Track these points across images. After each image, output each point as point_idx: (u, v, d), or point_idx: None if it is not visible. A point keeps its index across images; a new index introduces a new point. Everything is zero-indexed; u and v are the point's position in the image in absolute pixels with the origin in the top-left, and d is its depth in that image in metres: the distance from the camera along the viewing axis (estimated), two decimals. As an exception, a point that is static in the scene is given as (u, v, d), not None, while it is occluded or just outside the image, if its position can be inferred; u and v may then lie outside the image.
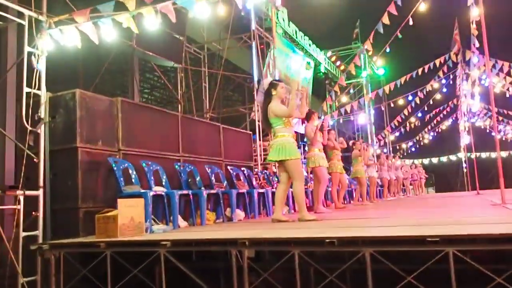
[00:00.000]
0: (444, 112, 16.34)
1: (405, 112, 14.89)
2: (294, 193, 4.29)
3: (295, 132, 4.56)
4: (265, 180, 7.00)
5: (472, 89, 10.83)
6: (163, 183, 4.46)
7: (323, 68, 16.93)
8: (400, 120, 15.72)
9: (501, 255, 2.31)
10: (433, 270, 2.28)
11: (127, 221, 3.30)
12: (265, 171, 8.27)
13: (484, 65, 9.73)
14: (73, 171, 3.81)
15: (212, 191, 4.96)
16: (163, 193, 4.18)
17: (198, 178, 5.03)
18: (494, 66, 9.82)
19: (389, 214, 4.83)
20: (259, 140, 9.24)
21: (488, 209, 4.62)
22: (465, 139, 13.53)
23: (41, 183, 3.53)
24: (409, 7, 8.15)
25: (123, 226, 3.25)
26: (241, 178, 5.89)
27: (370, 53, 14.76)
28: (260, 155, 9.20)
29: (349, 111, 12.76)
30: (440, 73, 12.36)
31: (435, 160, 25.79)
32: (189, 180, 4.87)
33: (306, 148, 6.03)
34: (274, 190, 6.28)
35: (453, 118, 16.76)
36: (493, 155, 22.56)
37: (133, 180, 4.14)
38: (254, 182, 6.23)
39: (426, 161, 24.83)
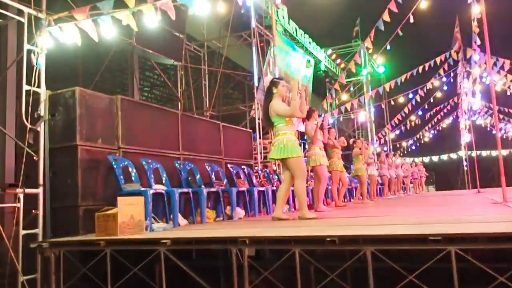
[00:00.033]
0: (445, 110, 16.32)
1: (406, 110, 14.86)
2: (295, 191, 4.27)
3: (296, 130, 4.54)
4: (265, 178, 6.99)
5: (473, 87, 10.80)
6: (163, 181, 4.45)
7: (323, 66, 16.91)
8: (401, 118, 15.70)
9: (502, 253, 2.30)
10: (434, 268, 2.27)
11: (127, 219, 3.29)
12: (265, 169, 8.26)
13: (485, 63, 9.72)
14: (73, 169, 3.80)
15: (212, 189, 4.95)
16: (163, 191, 4.17)
17: (198, 176, 5.02)
18: (495, 64, 9.79)
19: (389, 212, 4.82)
20: (259, 138, 9.22)
21: (490, 208, 4.60)
22: (466, 137, 13.51)
23: (41, 181, 3.52)
24: (410, 5, 8.12)
25: (123, 224, 3.24)
26: (241, 176, 5.88)
27: (370, 51, 14.75)
28: (260, 153, 9.19)
29: (349, 109, 12.74)
30: (441, 71, 12.32)
31: (435, 158, 25.78)
32: (189, 178, 4.86)
33: (307, 147, 6.02)
34: (274, 188, 6.28)
35: (454, 116, 16.73)
36: (494, 153, 22.57)
37: (133, 178, 4.13)
38: (254, 180, 6.22)
39: (426, 159, 24.82)
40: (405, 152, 19.94)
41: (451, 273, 2.20)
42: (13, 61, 4.66)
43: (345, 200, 8.34)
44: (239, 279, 2.64)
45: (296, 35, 13.83)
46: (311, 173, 6.27)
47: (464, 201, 6.84)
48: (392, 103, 14.76)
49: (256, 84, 9.48)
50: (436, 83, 13.26)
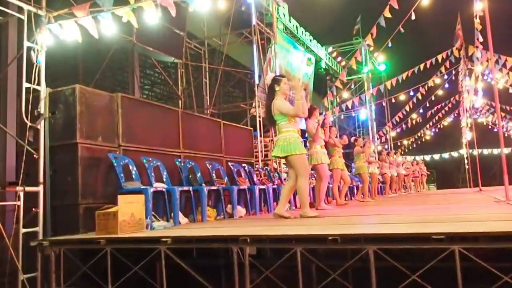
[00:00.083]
0: (446, 108, 16.27)
1: (407, 108, 14.82)
2: (297, 189, 4.24)
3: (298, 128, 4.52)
4: (266, 176, 6.97)
5: (476, 85, 10.76)
6: (164, 179, 4.43)
7: (324, 64, 16.86)
8: (402, 116, 15.66)
9: (506, 253, 2.28)
10: (436, 267, 2.25)
11: (128, 218, 3.28)
12: (266, 167, 8.24)
13: (487, 61, 9.67)
14: (73, 167, 3.78)
15: (213, 188, 4.94)
16: (163, 190, 4.15)
17: (198, 174, 5.00)
18: (497, 62, 9.74)
19: (391, 211, 4.80)
20: (260, 136, 9.20)
21: (492, 206, 4.58)
22: (467, 136, 13.48)
23: (41, 179, 3.51)
24: (411, 2, 8.08)
25: (123, 222, 3.22)
26: (242, 174, 5.86)
27: (371, 48, 14.70)
28: (261, 151, 9.16)
29: (350, 107, 12.71)
30: (442, 69, 12.27)
31: (436, 156, 25.75)
32: (190, 176, 4.84)
33: (308, 145, 5.99)
34: (275, 186, 6.26)
35: (455, 114, 16.69)
36: (495, 151, 22.54)
37: (133, 176, 4.11)
38: (255, 179, 6.20)
39: (427, 157, 24.80)
40: (406, 151, 19.91)
41: (453, 272, 2.18)
42: (13, 58, 4.64)
43: (346, 199, 8.31)
44: (240, 278, 2.63)
45: (297, 33, 13.78)
46: (312, 171, 6.24)
47: (466, 199, 6.82)
48: (393, 101, 14.72)
49: (257, 82, 9.45)
50: (438, 80, 13.21)
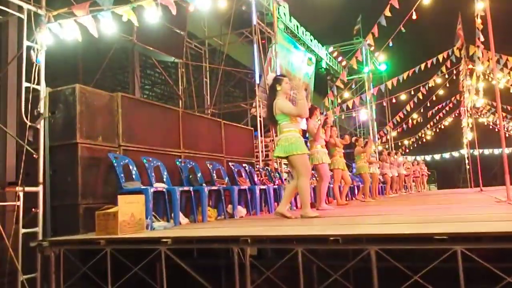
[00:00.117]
0: (447, 108, 16.23)
1: (407, 108, 14.79)
2: (298, 189, 4.23)
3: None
4: (267, 176, 6.95)
5: (477, 84, 10.73)
6: (164, 180, 4.41)
7: (324, 64, 16.85)
8: (402, 116, 15.63)
9: (507, 253, 2.26)
10: (437, 268, 2.24)
11: (128, 218, 3.26)
12: (267, 167, 8.22)
13: (488, 60, 9.65)
14: (73, 167, 3.77)
15: (214, 188, 4.92)
16: (164, 190, 4.13)
17: (199, 175, 4.99)
18: (498, 61, 9.71)
19: (392, 211, 4.79)
20: (261, 136, 9.18)
21: (494, 206, 4.56)
22: (468, 136, 13.45)
23: (40, 179, 3.49)
24: (412, 2, 8.06)
25: (124, 223, 3.21)
26: (243, 174, 5.84)
27: (372, 48, 14.67)
28: (262, 151, 9.15)
29: (350, 107, 12.69)
30: (443, 69, 12.24)
31: (437, 156, 25.72)
32: (190, 177, 4.83)
33: (308, 145, 5.98)
34: (276, 186, 6.25)
35: (456, 114, 16.66)
36: (496, 151, 22.51)
37: (133, 176, 4.09)
38: (255, 179, 6.18)
39: (428, 157, 24.77)
40: (407, 151, 19.89)
41: (454, 272, 2.17)
42: (13, 57, 4.62)
43: (347, 199, 8.30)
44: (241, 279, 2.61)
45: (298, 33, 13.77)
46: (313, 171, 6.22)
47: (467, 199, 6.80)
48: (394, 101, 14.69)
49: (257, 81, 9.43)
50: (438, 80, 13.18)
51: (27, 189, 3.35)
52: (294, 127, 4.20)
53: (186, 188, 4.47)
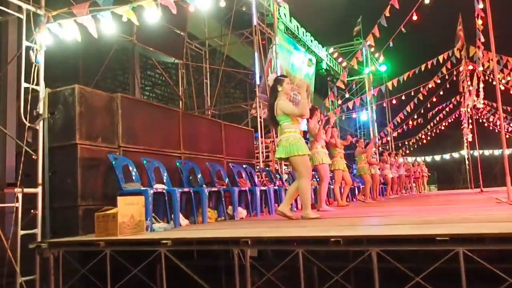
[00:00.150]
0: (447, 109, 16.22)
1: (408, 109, 14.78)
2: (299, 190, 4.21)
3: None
4: (267, 177, 6.93)
5: (478, 86, 10.72)
6: (164, 181, 4.40)
7: (324, 65, 16.84)
8: (403, 117, 15.61)
9: (509, 254, 2.24)
10: (439, 269, 2.22)
11: (127, 219, 3.24)
12: (267, 168, 8.20)
13: (488, 61, 9.63)
14: (73, 168, 3.75)
15: (214, 189, 4.90)
16: (163, 191, 4.12)
17: (199, 176, 4.97)
18: (498, 62, 9.70)
19: (393, 212, 4.77)
20: (261, 137, 9.17)
21: (495, 207, 4.55)
22: (468, 137, 13.44)
23: (39, 180, 3.47)
24: (412, 2, 8.05)
25: (123, 224, 3.19)
26: (243, 175, 5.83)
27: (372, 49, 14.65)
28: (262, 152, 9.13)
29: (351, 108, 12.67)
30: (444, 70, 12.23)
31: (437, 157, 25.71)
32: (190, 178, 4.81)
33: (309, 145, 5.96)
34: (276, 187, 6.23)
35: (456, 115, 16.64)
36: (496, 152, 22.49)
37: (133, 178, 4.08)
38: (256, 180, 6.16)
39: (428, 158, 24.76)
40: (407, 152, 19.87)
41: (454, 273, 2.15)
42: (12, 58, 4.60)
43: (348, 200, 8.28)
44: (241, 280, 2.60)
45: (298, 33, 13.76)
46: (314, 173, 6.21)
47: (468, 200, 6.78)
48: (394, 102, 14.67)
49: (257, 82, 9.42)
50: (439, 81, 13.17)
51: (26, 190, 3.33)
52: (295, 128, 4.18)
53: (186, 189, 4.45)
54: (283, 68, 11.13)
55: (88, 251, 3.08)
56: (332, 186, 7.22)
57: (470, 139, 13.48)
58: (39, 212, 3.42)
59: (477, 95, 11.84)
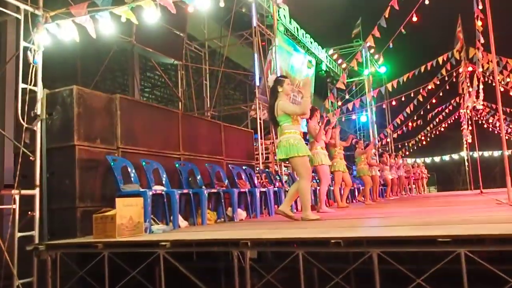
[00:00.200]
0: (447, 111, 16.22)
1: (407, 110, 14.77)
2: (299, 191, 4.19)
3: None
4: (267, 179, 6.91)
5: (478, 87, 10.72)
6: (163, 182, 4.37)
7: (324, 66, 16.85)
8: (402, 119, 15.60)
9: (509, 255, 2.22)
10: (439, 270, 2.20)
11: (126, 221, 3.21)
12: (267, 169, 8.18)
13: (488, 63, 9.63)
14: (71, 169, 3.72)
15: (213, 190, 4.87)
16: (163, 192, 4.09)
17: (198, 177, 4.94)
18: (498, 64, 9.69)
19: (393, 213, 4.74)
20: (261, 138, 9.15)
21: (495, 208, 4.52)
22: (468, 138, 13.43)
23: (37, 182, 3.44)
24: (412, 4, 8.06)
25: (122, 226, 3.16)
26: (243, 177, 5.80)
27: (372, 50, 14.65)
28: (262, 153, 9.11)
29: (350, 110, 12.67)
30: (443, 71, 12.23)
31: (437, 159, 25.71)
32: (190, 179, 4.78)
33: (309, 146, 5.94)
34: (276, 189, 6.20)
35: (456, 117, 16.64)
36: (496, 153, 22.49)
37: (132, 179, 4.05)
38: (255, 181, 6.14)
39: (428, 160, 24.76)
40: (407, 153, 19.86)
41: (455, 274, 2.13)
42: (9, 58, 4.59)
43: (348, 201, 8.26)
44: (240, 282, 2.57)
45: (298, 35, 13.76)
46: (314, 174, 6.18)
47: (468, 202, 6.76)
48: (394, 103, 14.67)
49: (257, 84, 9.40)
50: (438, 83, 13.17)
51: (24, 192, 3.30)
52: (295, 128, 4.16)
53: (185, 191, 4.43)
54: (283, 69, 11.13)
55: (86, 253, 3.06)
56: (332, 188, 7.19)
57: (469, 141, 13.47)
58: (37, 213, 3.39)
59: (477, 97, 11.83)
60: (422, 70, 11.52)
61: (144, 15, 3.57)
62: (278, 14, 11.56)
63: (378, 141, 17.25)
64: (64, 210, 3.68)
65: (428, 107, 15.21)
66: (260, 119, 9.16)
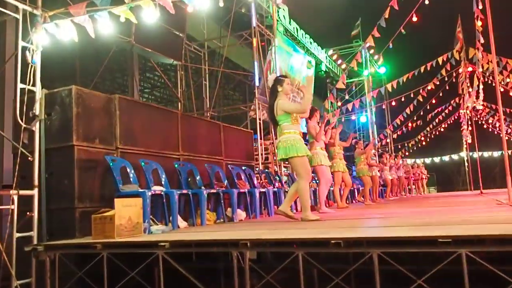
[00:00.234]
0: (446, 111, 16.21)
1: (407, 111, 14.77)
2: (298, 192, 4.18)
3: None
4: (267, 179, 6.90)
5: (478, 87, 10.71)
6: (162, 182, 4.36)
7: (324, 67, 16.84)
8: (402, 119, 15.60)
9: (510, 255, 2.21)
10: (439, 270, 2.19)
11: (125, 222, 3.20)
12: (267, 170, 8.17)
13: (487, 63, 9.62)
14: (70, 170, 3.70)
15: (213, 191, 4.86)
16: (162, 193, 4.08)
17: (198, 177, 4.93)
18: (497, 64, 9.68)
19: (393, 213, 4.73)
20: (260, 139, 9.14)
21: (495, 209, 4.51)
22: (468, 138, 13.43)
23: (35, 182, 3.43)
24: (412, 3, 8.05)
25: (121, 226, 3.14)
26: (242, 177, 5.79)
27: (372, 51, 14.64)
28: (261, 154, 9.09)
29: (350, 110, 12.66)
30: (443, 71, 12.22)
31: (437, 159, 25.71)
32: (189, 179, 4.77)
33: (308, 146, 5.92)
34: (275, 189, 6.19)
35: (456, 117, 16.64)
36: (495, 154, 22.49)
37: (131, 179, 4.04)
38: (255, 182, 6.13)
39: (428, 160, 24.75)
40: (407, 153, 19.85)
41: (455, 274, 2.12)
42: (8, 59, 4.57)
43: (347, 202, 8.24)
44: (240, 283, 2.56)
45: (297, 35, 13.76)
46: (313, 175, 6.17)
47: (468, 202, 6.75)
48: (394, 103, 14.67)
49: (257, 84, 9.39)
50: (438, 83, 13.16)
51: (22, 192, 3.29)
52: (294, 128, 4.15)
53: (184, 191, 4.41)
54: (282, 70, 11.12)
55: (85, 253, 3.04)
56: (332, 188, 7.18)
57: (469, 141, 13.46)
58: (35, 214, 3.38)
59: (477, 97, 11.83)
60: (422, 70, 11.52)
61: (143, 15, 3.56)
62: (278, 15, 11.55)
63: (378, 142, 17.24)
64: (63, 210, 3.67)
65: (428, 107, 15.21)
66: (259, 119, 9.15)
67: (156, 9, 3.49)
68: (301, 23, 14.01)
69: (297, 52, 13.33)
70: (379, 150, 16.38)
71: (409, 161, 19.43)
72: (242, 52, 11.44)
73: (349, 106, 11.96)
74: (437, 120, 16.90)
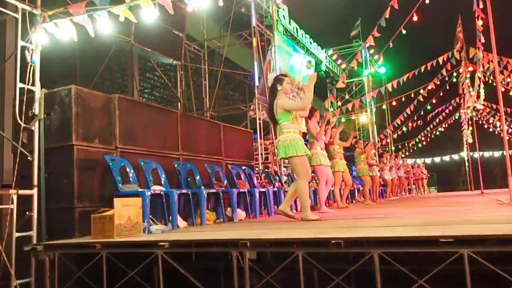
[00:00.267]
0: (447, 111, 16.20)
1: (407, 111, 14.76)
2: (297, 192, 4.16)
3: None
4: (266, 179, 6.89)
5: (478, 87, 10.69)
6: (162, 182, 4.35)
7: (324, 67, 16.82)
8: (402, 119, 15.59)
9: (511, 256, 2.20)
10: (441, 271, 2.18)
11: (124, 221, 3.19)
12: (266, 170, 8.16)
13: (488, 63, 9.61)
14: (69, 169, 3.70)
15: (212, 190, 4.85)
16: (161, 192, 4.07)
17: (197, 177, 4.92)
18: (498, 64, 9.66)
19: (394, 213, 4.72)
20: (260, 138, 9.13)
21: (496, 209, 4.50)
22: (468, 138, 13.41)
23: (35, 182, 3.42)
24: (413, 3, 8.04)
25: (120, 226, 3.14)
26: (242, 177, 5.78)
27: (372, 51, 14.63)
28: (261, 154, 9.09)
29: (350, 110, 12.65)
30: (443, 71, 12.21)
31: (437, 159, 25.70)
32: (189, 179, 4.76)
33: (308, 146, 5.91)
34: (275, 189, 6.18)
35: (456, 117, 16.63)
36: (496, 154, 22.47)
37: (130, 179, 4.03)
38: (255, 181, 6.12)
39: (428, 160, 24.74)
40: (407, 153, 19.84)
41: (456, 275, 2.11)
42: (7, 58, 4.56)
43: (347, 202, 8.23)
44: (239, 283, 2.55)
45: (297, 35, 13.74)
46: (313, 175, 6.16)
47: (469, 202, 6.74)
48: (394, 103, 14.66)
49: (256, 84, 9.38)
50: (438, 83, 13.15)
51: (21, 192, 3.28)
52: (294, 127, 4.14)
53: (184, 191, 4.41)
54: (282, 70, 11.11)
55: (84, 253, 3.03)
56: (332, 188, 7.17)
57: (470, 141, 13.44)
58: (35, 214, 3.37)
59: (477, 97, 11.81)
60: (422, 70, 11.51)
61: (142, 14, 3.55)
62: (278, 14, 11.54)
63: (378, 142, 17.22)
64: (62, 210, 3.66)
65: (428, 107, 15.21)
66: (259, 119, 9.14)
67: (155, 8, 3.48)
68: (301, 23, 14.00)
69: (297, 52, 13.32)
70: (379, 150, 16.37)
71: (410, 161, 19.41)
72: (242, 52, 11.44)
73: (349, 106, 11.96)
74: (437, 120, 16.89)
